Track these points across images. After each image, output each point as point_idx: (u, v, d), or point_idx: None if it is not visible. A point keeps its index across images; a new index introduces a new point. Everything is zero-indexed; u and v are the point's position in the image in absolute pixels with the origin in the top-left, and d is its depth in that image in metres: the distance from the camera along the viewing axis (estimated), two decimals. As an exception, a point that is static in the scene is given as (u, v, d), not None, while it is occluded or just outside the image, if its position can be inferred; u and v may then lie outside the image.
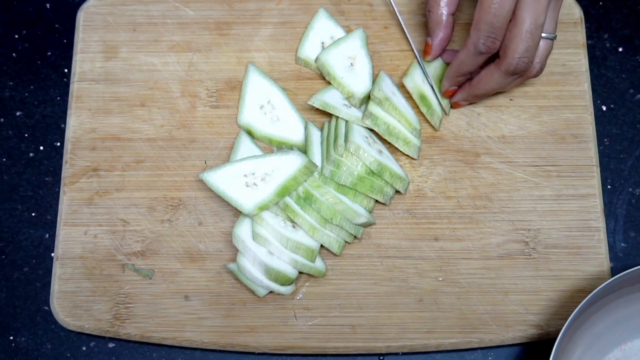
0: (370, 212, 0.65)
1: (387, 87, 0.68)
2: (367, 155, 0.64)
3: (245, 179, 0.63)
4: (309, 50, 0.70)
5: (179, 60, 0.71)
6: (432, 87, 0.68)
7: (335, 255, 0.65)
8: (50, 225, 0.69)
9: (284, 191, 0.63)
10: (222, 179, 0.63)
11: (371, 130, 0.67)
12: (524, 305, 0.64)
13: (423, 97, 0.67)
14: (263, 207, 0.63)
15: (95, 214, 0.67)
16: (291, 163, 0.63)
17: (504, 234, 0.66)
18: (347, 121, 0.67)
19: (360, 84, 0.68)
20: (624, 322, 0.63)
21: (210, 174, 0.64)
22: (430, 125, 0.68)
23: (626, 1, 0.75)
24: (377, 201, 0.66)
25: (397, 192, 0.67)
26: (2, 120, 0.73)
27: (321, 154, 0.66)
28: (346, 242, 0.65)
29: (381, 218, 0.66)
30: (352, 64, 0.68)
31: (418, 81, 0.68)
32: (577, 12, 0.72)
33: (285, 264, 0.63)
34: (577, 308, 0.57)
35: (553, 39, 0.63)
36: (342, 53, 0.69)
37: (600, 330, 0.63)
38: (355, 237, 0.65)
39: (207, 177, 0.63)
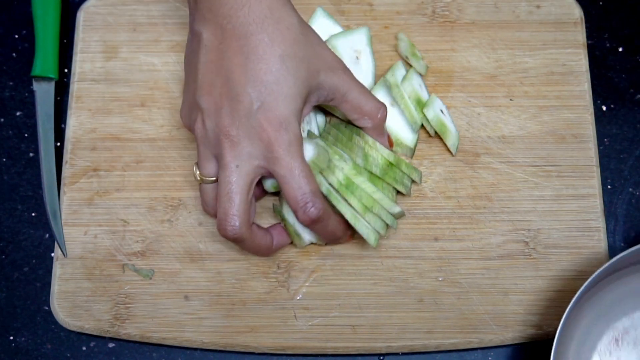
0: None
1: (416, 81, 0.68)
2: (383, 148, 0.64)
3: None
4: None
5: (179, 60, 0.71)
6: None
7: (370, 247, 0.64)
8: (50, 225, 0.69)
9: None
10: None
11: None
12: (523, 305, 0.64)
13: (443, 125, 0.67)
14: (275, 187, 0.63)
15: (95, 214, 0.67)
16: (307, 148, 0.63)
17: (504, 234, 0.66)
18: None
19: (363, 79, 0.68)
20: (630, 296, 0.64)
21: None
22: (448, 150, 0.68)
23: (626, 1, 0.75)
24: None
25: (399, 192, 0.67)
26: (2, 120, 0.73)
27: (340, 149, 0.65)
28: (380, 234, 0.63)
29: (381, 218, 0.66)
30: (357, 58, 0.68)
31: (437, 111, 0.67)
32: (577, 12, 0.72)
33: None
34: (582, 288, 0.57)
35: None
36: (350, 45, 0.69)
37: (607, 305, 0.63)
38: (389, 227, 0.64)
39: None
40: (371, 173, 0.64)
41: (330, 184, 0.62)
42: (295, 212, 0.58)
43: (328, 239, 0.63)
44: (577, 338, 0.63)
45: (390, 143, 0.66)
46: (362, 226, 0.62)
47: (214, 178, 0.59)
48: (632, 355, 0.63)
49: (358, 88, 0.61)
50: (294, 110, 0.57)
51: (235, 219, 0.58)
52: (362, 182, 0.62)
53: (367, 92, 0.62)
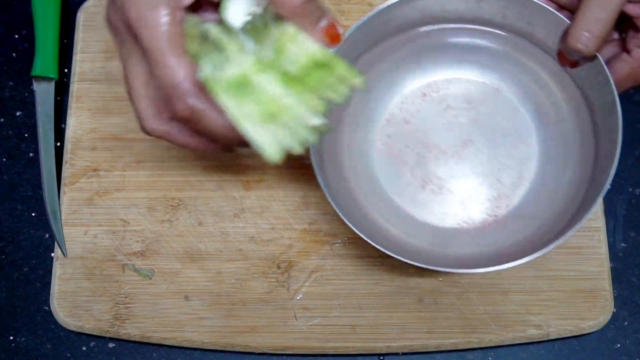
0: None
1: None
2: (309, 42, 0.49)
3: None
4: None
5: (179, 60, 0.71)
6: None
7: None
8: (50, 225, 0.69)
9: None
10: None
11: None
12: (524, 305, 0.64)
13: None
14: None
15: (95, 214, 0.67)
16: None
17: (504, 234, 0.66)
18: None
19: None
20: None
21: None
22: None
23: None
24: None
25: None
26: (2, 120, 0.73)
27: (248, 34, 0.50)
28: (291, 151, 0.50)
29: (381, 218, 0.66)
30: None
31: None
32: (577, 12, 0.72)
33: None
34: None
35: None
36: None
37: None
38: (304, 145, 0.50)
39: None
40: (285, 74, 0.49)
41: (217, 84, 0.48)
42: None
43: (216, 144, 0.53)
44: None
45: (334, 36, 0.50)
46: (257, 132, 0.48)
47: None
48: (432, 109, 0.64)
49: None
50: None
51: (142, 120, 0.51)
52: (267, 82, 0.48)
53: None
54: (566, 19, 0.57)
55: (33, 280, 0.68)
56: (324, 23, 0.50)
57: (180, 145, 0.53)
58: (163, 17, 0.47)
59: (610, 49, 0.60)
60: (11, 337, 0.67)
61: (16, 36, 0.75)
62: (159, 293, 0.65)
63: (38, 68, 0.71)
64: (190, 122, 0.50)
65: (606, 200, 0.69)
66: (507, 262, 0.55)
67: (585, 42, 0.55)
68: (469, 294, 0.64)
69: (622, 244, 0.68)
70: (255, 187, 0.67)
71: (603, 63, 0.57)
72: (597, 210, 0.66)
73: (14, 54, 0.75)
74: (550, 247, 0.55)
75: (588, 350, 0.66)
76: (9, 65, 0.74)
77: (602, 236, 0.66)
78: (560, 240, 0.55)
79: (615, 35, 0.61)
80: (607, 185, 0.55)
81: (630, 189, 0.70)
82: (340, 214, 0.56)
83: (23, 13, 0.76)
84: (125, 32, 0.49)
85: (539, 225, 0.61)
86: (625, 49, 0.59)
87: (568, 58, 0.59)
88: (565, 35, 0.57)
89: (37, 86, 0.71)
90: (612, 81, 0.57)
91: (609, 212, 0.69)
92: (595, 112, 0.60)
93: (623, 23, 0.59)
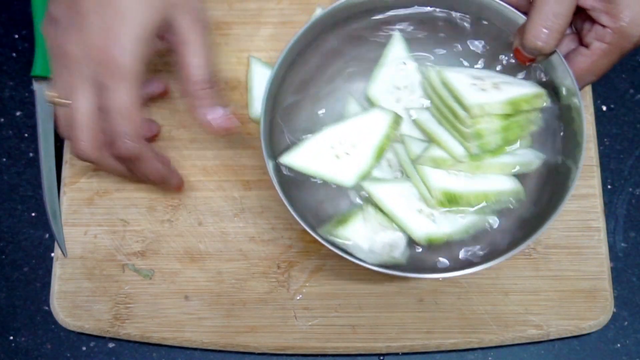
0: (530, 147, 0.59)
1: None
2: (493, 104, 0.55)
3: (333, 151, 0.58)
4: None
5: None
6: None
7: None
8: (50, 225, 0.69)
9: (380, 153, 0.59)
10: (309, 158, 0.59)
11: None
12: (524, 305, 0.64)
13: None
14: (364, 176, 0.59)
15: (95, 214, 0.67)
16: (378, 121, 0.58)
17: (504, 234, 0.66)
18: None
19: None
20: None
21: (292, 156, 0.59)
22: None
23: (626, 1, 0.75)
24: None
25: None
26: (2, 120, 0.73)
27: (444, 133, 0.58)
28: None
29: (381, 218, 0.66)
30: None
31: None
32: (577, 12, 0.72)
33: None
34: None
35: None
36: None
37: None
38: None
39: (290, 160, 0.59)
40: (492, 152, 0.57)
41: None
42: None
43: (148, 179, 0.62)
44: None
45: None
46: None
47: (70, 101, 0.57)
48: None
49: (203, 43, 0.57)
50: (139, 38, 0.54)
51: (81, 143, 0.57)
52: (470, 185, 0.57)
53: (209, 52, 0.57)
54: (522, 15, 0.56)
55: (33, 280, 0.68)
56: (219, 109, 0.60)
57: (108, 170, 0.60)
58: (131, 67, 0.54)
59: (567, 44, 0.58)
60: (11, 337, 0.67)
61: (16, 36, 0.75)
62: (159, 293, 0.65)
63: (38, 68, 0.71)
64: (129, 160, 0.58)
65: (606, 200, 0.69)
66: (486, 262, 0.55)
67: (544, 39, 0.53)
68: (469, 294, 0.64)
69: (622, 244, 0.68)
70: (255, 187, 0.68)
71: (562, 58, 0.55)
72: (597, 210, 0.66)
73: (14, 54, 0.75)
74: (521, 247, 0.55)
75: (588, 350, 0.66)
76: (9, 65, 0.75)
77: (602, 236, 0.66)
78: (533, 239, 0.55)
79: (568, 30, 0.58)
80: (571, 189, 0.55)
81: (630, 189, 0.70)
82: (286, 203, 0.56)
83: (23, 13, 0.76)
84: (88, 60, 0.54)
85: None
86: (582, 42, 0.56)
87: (525, 55, 0.56)
88: (521, 32, 0.55)
89: (37, 86, 0.71)
90: (571, 74, 0.55)
91: (609, 212, 0.69)
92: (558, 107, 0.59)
93: (576, 16, 0.56)
